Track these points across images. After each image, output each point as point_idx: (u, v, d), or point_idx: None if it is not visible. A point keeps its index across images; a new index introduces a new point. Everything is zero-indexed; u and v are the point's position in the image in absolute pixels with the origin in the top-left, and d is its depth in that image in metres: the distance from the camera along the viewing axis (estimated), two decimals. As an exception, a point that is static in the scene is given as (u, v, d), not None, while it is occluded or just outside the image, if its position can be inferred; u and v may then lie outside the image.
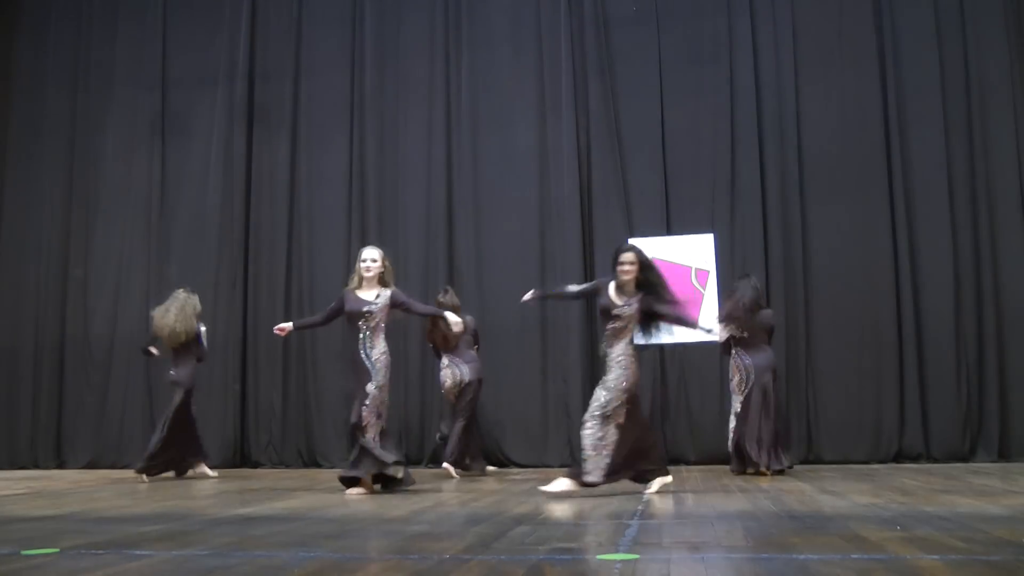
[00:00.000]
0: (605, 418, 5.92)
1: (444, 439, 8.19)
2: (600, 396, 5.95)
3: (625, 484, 6.09)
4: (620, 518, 4.73)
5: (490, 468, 8.46)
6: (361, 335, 6.35)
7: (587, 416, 5.97)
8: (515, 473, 8.34)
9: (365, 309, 6.34)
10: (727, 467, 7.79)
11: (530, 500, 5.69)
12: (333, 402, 9.49)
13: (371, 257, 6.43)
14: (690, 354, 8.63)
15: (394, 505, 5.59)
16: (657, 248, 8.63)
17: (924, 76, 9.05)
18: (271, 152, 10.15)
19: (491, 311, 9.24)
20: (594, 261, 9.23)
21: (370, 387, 6.29)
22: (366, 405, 6.29)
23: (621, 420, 5.95)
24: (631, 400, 6.01)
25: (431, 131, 9.84)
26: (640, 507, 5.21)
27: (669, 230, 9.09)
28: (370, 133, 9.94)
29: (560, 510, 5.11)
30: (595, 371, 8.83)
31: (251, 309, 9.93)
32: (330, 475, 8.26)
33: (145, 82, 10.45)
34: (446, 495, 6.29)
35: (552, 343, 9.16)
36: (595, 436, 5.91)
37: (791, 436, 8.30)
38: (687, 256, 8.53)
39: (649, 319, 6.10)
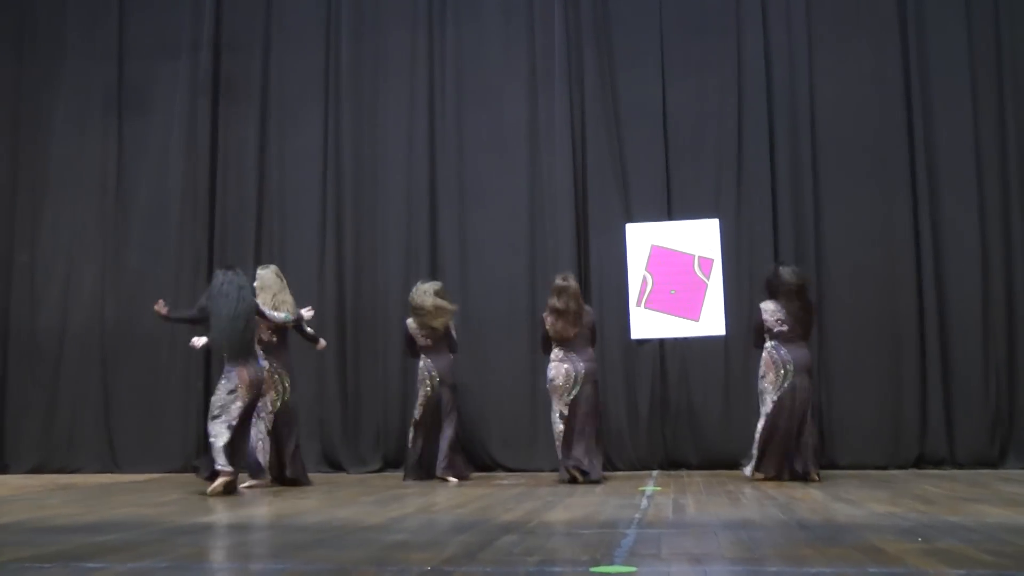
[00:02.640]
0: None
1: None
2: None
3: (620, 488, 6.07)
4: (616, 527, 4.73)
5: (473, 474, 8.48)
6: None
7: None
8: (502, 477, 8.34)
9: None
10: (732, 471, 7.79)
11: (519, 506, 5.69)
12: (306, 401, 9.44)
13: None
14: (692, 348, 8.61)
15: (371, 512, 5.57)
16: (657, 234, 8.66)
17: (951, 49, 9.03)
18: (238, 129, 10.09)
19: (476, 302, 9.22)
20: (588, 247, 9.23)
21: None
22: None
23: None
24: None
25: (412, 107, 9.80)
26: (637, 515, 5.22)
27: (670, 215, 9.08)
28: (346, 109, 9.89)
29: (551, 517, 5.10)
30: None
31: (216, 299, 9.84)
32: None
33: (99, 51, 10.35)
34: (428, 501, 6.28)
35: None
36: None
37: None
38: (690, 243, 8.52)
39: None
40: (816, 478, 7.29)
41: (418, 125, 9.76)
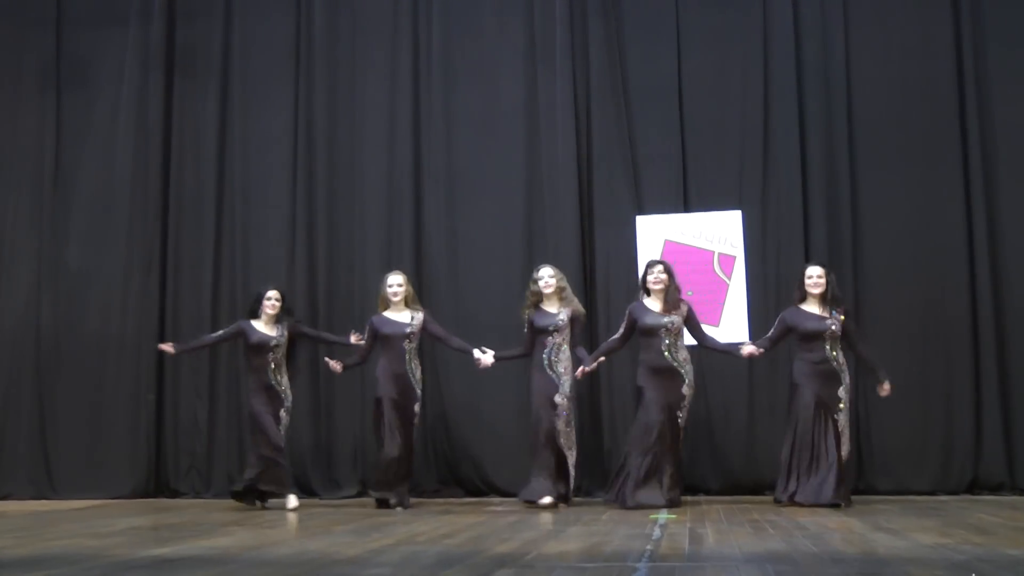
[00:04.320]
0: None
1: None
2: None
3: (629, 516, 6.04)
4: (625, 560, 4.70)
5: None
6: (407, 355, 8.08)
7: None
8: (496, 503, 8.31)
9: (408, 331, 8.11)
10: (757, 497, 7.76)
11: (515, 536, 5.66)
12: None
13: (396, 283, 8.18)
14: (711, 357, 8.58)
15: (348, 543, 5.54)
16: (672, 228, 8.65)
17: (1010, 17, 9.02)
18: (196, 108, 10.07)
19: (466, 304, 9.21)
20: (594, 243, 9.22)
21: (417, 407, 8.14)
22: (414, 424, 8.19)
23: None
24: None
25: (394, 83, 9.78)
26: (649, 547, 5.19)
27: (687, 207, 9.07)
28: (320, 85, 9.88)
29: (552, 549, 5.07)
30: (594, 377, 8.82)
31: (170, 300, 9.85)
32: (270, 506, 8.21)
33: (35, 18, 10.31)
34: (413, 529, 6.25)
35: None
36: None
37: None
38: (709, 238, 8.51)
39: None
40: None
41: (401, 104, 9.74)
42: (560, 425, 7.85)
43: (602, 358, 8.07)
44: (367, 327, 8.28)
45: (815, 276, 7.79)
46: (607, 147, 9.34)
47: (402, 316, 8.16)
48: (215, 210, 9.91)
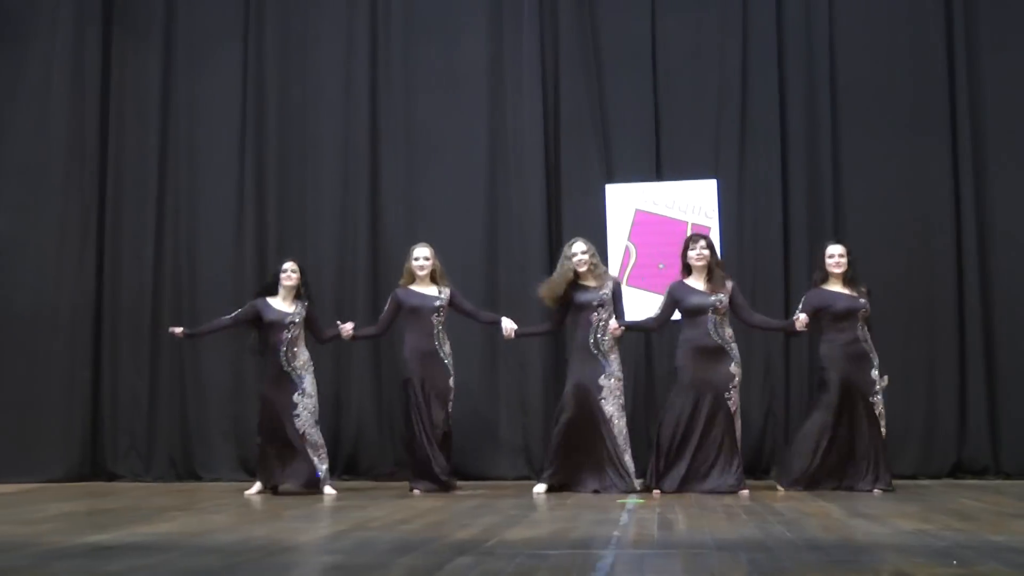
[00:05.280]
0: None
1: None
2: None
3: (595, 500, 6.06)
4: (590, 547, 4.72)
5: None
6: (435, 330, 8.03)
7: None
8: (457, 487, 8.31)
9: (437, 304, 8.07)
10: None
11: (475, 522, 5.67)
12: (220, 394, 9.40)
13: (423, 255, 8.11)
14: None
15: (298, 529, 5.53)
16: (644, 197, 8.65)
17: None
18: (137, 67, 9.97)
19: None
20: (560, 212, 9.24)
21: (451, 382, 8.05)
22: (450, 400, 8.07)
23: None
24: None
25: (350, 40, 9.74)
26: (616, 533, 5.21)
27: (660, 175, 9.09)
28: (270, 44, 9.81)
29: (514, 535, 5.08)
30: (560, 355, 8.84)
31: (108, 271, 9.77)
32: (215, 490, 8.18)
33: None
34: (367, 514, 6.25)
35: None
36: None
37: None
38: (683, 208, 8.52)
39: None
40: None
41: (357, 64, 9.70)
42: (610, 409, 7.75)
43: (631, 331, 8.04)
44: (389, 300, 8.23)
45: (836, 255, 7.77)
46: (576, 111, 9.34)
47: (430, 290, 8.11)
48: (157, 174, 9.81)
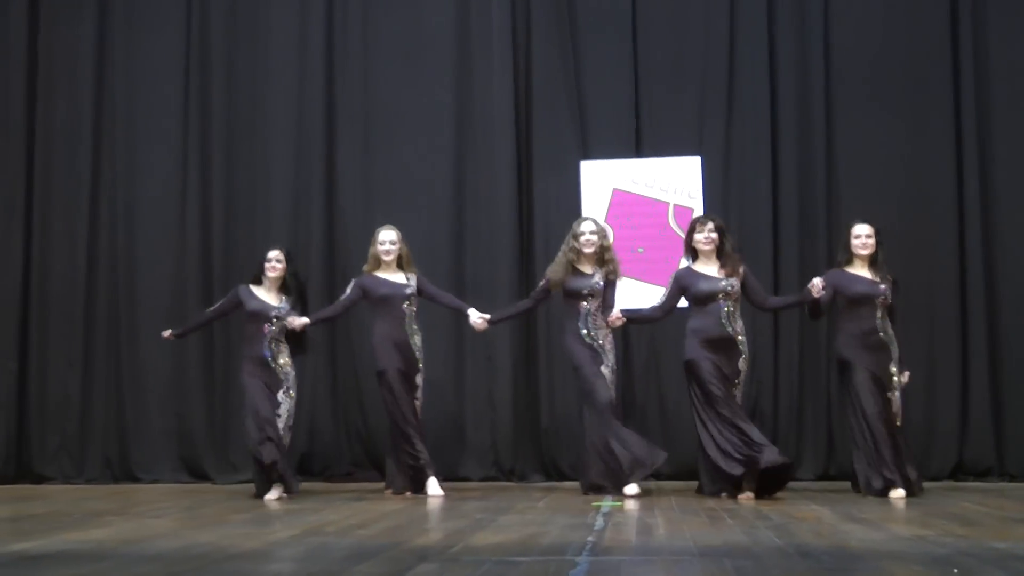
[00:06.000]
0: None
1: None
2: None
3: (568, 502, 6.06)
4: (563, 553, 4.71)
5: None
6: (406, 319, 8.05)
7: None
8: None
9: (408, 292, 8.07)
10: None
11: (439, 526, 5.68)
12: (161, 388, 9.35)
13: (390, 239, 8.11)
14: (664, 326, 8.61)
15: (246, 534, 5.50)
16: (622, 175, 8.65)
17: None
18: (70, 30, 9.89)
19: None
20: (532, 191, 9.24)
21: (418, 379, 8.09)
22: (417, 398, 8.08)
23: None
24: None
25: (304, 6, 9.69)
26: (591, 538, 5.21)
27: (639, 151, 9.11)
28: (216, 6, 9.75)
29: (480, 540, 5.08)
30: (531, 347, 8.85)
31: (37, 251, 9.72)
32: (154, 493, 8.14)
33: None
34: (321, 518, 6.23)
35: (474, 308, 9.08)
36: None
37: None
38: (664, 188, 8.53)
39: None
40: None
41: (311, 30, 9.67)
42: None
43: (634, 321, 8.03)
44: (353, 286, 8.17)
45: (863, 235, 7.67)
46: (549, 83, 9.33)
47: (397, 277, 8.09)
48: (92, 147, 9.76)
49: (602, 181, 8.66)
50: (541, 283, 8.05)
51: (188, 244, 9.44)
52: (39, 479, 9.46)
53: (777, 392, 8.91)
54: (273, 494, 7.66)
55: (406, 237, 8.25)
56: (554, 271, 7.90)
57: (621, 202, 8.57)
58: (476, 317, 8.05)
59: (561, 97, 9.29)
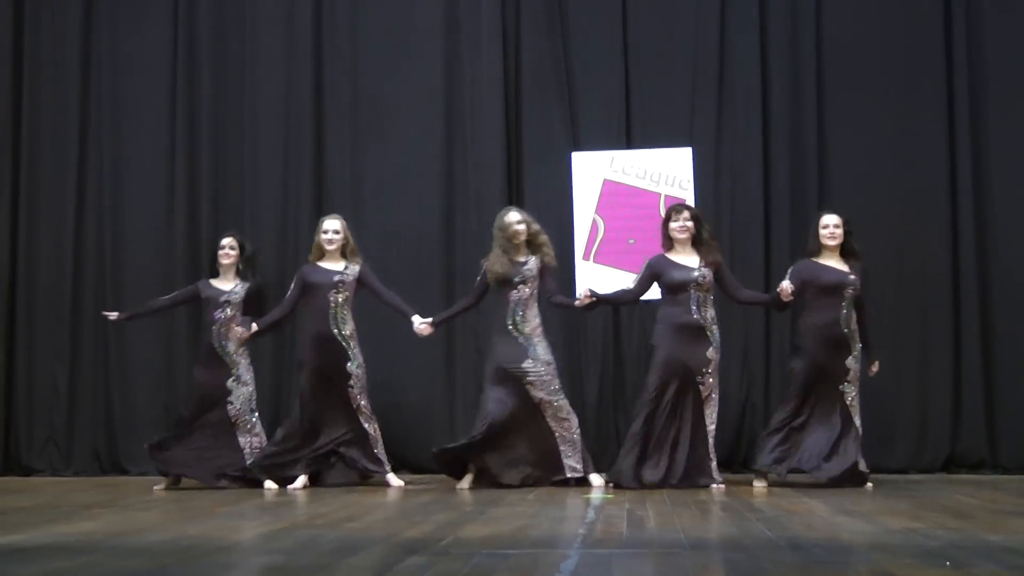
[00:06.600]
0: None
1: None
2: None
3: (558, 495, 6.06)
4: (553, 546, 4.72)
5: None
6: (331, 309, 7.99)
7: None
8: (408, 481, 8.30)
9: (337, 279, 7.98)
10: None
11: (428, 519, 5.67)
12: (149, 380, 9.35)
13: (333, 228, 8.07)
14: (655, 315, 8.61)
15: (234, 527, 5.51)
16: (613, 166, 8.64)
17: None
18: (55, 20, 9.88)
19: (374, 254, 9.11)
20: (522, 182, 9.25)
21: (350, 367, 7.99)
22: (351, 387, 8.00)
23: None
24: None
25: (292, -6, 9.68)
26: (581, 531, 5.22)
27: (630, 142, 9.11)
28: (203, -6, 9.74)
29: (470, 533, 5.08)
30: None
31: (23, 243, 9.72)
32: (143, 485, 8.13)
33: None
34: (311, 511, 6.24)
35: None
36: None
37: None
38: (655, 178, 8.51)
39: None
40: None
41: (299, 21, 9.66)
42: (541, 395, 7.74)
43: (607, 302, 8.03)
44: (295, 278, 8.23)
45: (831, 226, 7.73)
46: (539, 72, 9.34)
47: (335, 266, 8.08)
48: (78, 138, 9.75)
49: (593, 172, 8.64)
50: (479, 277, 8.01)
51: (175, 235, 9.43)
52: (27, 472, 9.47)
53: (768, 384, 8.92)
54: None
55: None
56: (493, 263, 7.87)
57: (612, 193, 8.56)
58: (419, 323, 7.99)
59: (552, 88, 9.29)
